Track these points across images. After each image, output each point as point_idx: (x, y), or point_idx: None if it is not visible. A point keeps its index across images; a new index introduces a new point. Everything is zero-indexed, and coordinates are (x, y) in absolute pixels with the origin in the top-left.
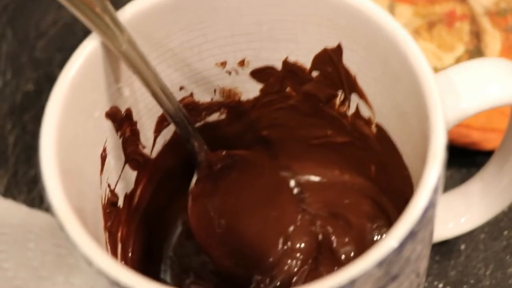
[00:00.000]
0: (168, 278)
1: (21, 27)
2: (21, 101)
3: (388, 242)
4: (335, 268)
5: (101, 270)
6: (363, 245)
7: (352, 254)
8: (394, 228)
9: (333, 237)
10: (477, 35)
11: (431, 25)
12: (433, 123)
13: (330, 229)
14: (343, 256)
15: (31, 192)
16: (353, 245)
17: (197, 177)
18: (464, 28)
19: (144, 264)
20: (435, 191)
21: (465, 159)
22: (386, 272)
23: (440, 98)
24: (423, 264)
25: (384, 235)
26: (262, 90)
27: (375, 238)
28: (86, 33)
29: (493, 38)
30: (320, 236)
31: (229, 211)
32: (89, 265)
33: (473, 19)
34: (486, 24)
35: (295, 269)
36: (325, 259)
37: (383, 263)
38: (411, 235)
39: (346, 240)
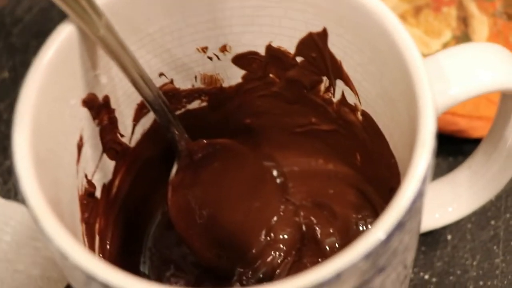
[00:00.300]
0: (147, 270)
1: None
2: None
3: (375, 234)
4: (319, 259)
5: (77, 265)
6: (347, 236)
7: (336, 245)
8: (382, 219)
9: (317, 228)
10: (464, 20)
11: (417, 10)
12: (421, 109)
13: (314, 219)
14: (327, 248)
15: (7, 183)
16: (337, 236)
17: (177, 167)
18: (451, 13)
19: (123, 257)
20: (424, 180)
21: (451, 147)
22: (372, 264)
23: (429, 84)
24: (410, 255)
25: (369, 226)
26: (244, 77)
27: (360, 229)
28: (63, 18)
29: (480, 23)
30: (304, 227)
31: (210, 201)
32: (65, 259)
33: (460, 4)
34: (473, 9)
35: (279, 261)
36: (309, 251)
37: (370, 256)
38: (399, 226)
39: (331, 230)
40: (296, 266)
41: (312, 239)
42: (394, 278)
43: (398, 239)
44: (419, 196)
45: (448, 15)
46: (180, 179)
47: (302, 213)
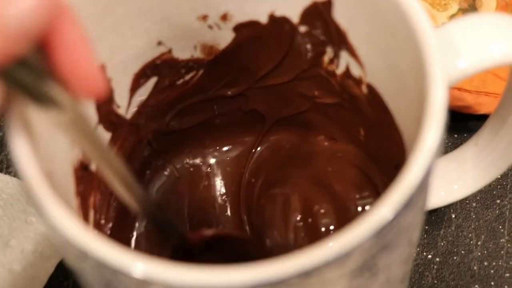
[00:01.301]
0: (141, 245)
1: None
2: None
3: (383, 211)
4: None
5: (72, 241)
6: (345, 217)
7: (331, 227)
8: (389, 196)
9: (315, 207)
10: None
11: None
12: (432, 81)
13: (312, 199)
14: (322, 229)
15: None
16: (334, 216)
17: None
18: None
19: (117, 231)
20: (434, 156)
21: (456, 124)
22: (378, 241)
23: (440, 55)
24: (416, 233)
25: (367, 206)
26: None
27: (359, 209)
28: None
29: None
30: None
31: None
32: (59, 235)
33: None
34: None
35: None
36: (304, 231)
37: (377, 233)
38: (407, 203)
39: (328, 210)
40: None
41: (309, 218)
42: (399, 255)
43: (405, 216)
44: (428, 172)
45: None
46: None
47: (300, 193)
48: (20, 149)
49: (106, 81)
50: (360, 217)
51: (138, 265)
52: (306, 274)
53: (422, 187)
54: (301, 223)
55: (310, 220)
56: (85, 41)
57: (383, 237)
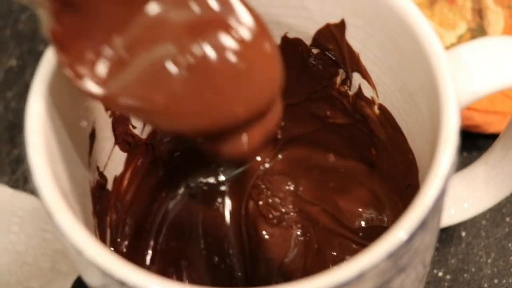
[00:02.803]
0: (155, 265)
1: None
2: (4, 77)
3: (398, 233)
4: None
5: (92, 261)
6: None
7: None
8: (404, 217)
9: (319, 224)
10: (479, 12)
11: (432, 2)
12: (445, 104)
13: (318, 218)
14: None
15: (15, 173)
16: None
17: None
18: (466, 5)
19: (132, 251)
20: (447, 178)
21: (465, 142)
22: (394, 264)
23: (452, 78)
24: (429, 254)
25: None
26: None
27: (362, 224)
28: None
29: (496, 16)
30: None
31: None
32: (79, 254)
33: None
34: (488, 1)
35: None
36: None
37: (392, 255)
38: (422, 225)
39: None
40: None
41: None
42: (413, 277)
43: (421, 238)
44: (442, 194)
45: (463, 7)
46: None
47: (308, 210)
48: (39, 170)
49: None
50: (376, 240)
51: (157, 285)
52: None
53: (436, 209)
54: (301, 238)
55: (310, 235)
56: None
57: (398, 259)
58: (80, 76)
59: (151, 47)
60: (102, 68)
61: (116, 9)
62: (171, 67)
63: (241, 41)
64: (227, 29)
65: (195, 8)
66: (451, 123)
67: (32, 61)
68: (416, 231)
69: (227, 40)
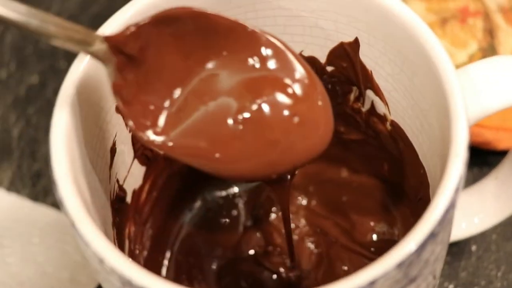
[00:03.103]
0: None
1: None
2: (25, 93)
3: (409, 244)
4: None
5: (114, 269)
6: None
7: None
8: (415, 229)
9: (329, 235)
10: (490, 32)
11: (444, 21)
12: (454, 120)
13: (328, 231)
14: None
15: (36, 186)
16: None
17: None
18: (477, 24)
19: (151, 261)
20: (457, 191)
21: (476, 158)
22: (405, 274)
23: (462, 95)
24: (439, 266)
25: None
26: None
27: (374, 238)
28: (91, 24)
29: (507, 35)
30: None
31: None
32: (100, 263)
33: (486, 16)
34: (499, 20)
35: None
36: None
37: (402, 265)
38: (432, 236)
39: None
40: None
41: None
42: None
43: (431, 249)
44: (452, 207)
45: (474, 26)
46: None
47: (319, 224)
48: (63, 182)
49: None
50: (387, 251)
51: None
52: None
53: (446, 221)
54: (313, 251)
55: (322, 249)
56: None
57: (409, 270)
58: (142, 128)
59: (210, 101)
60: (163, 120)
61: (178, 65)
62: (229, 121)
63: (296, 98)
64: (284, 86)
65: (253, 64)
66: (461, 138)
67: (53, 77)
68: (426, 242)
69: (282, 97)
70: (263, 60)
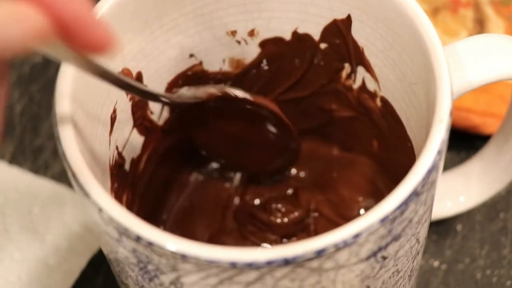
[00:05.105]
0: None
1: None
2: (29, 72)
3: (392, 200)
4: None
5: (112, 218)
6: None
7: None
8: (399, 187)
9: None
10: (480, 22)
11: (435, 11)
12: (440, 90)
13: (319, 207)
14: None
15: (37, 161)
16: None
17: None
18: (468, 15)
19: None
20: (439, 153)
21: (464, 143)
22: (389, 231)
23: (448, 68)
24: (423, 231)
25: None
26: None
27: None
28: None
29: (496, 26)
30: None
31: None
32: (99, 212)
33: (477, 7)
34: (489, 12)
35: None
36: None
37: (386, 220)
38: (415, 195)
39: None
40: None
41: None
42: (407, 250)
43: (414, 209)
44: (434, 169)
45: (464, 17)
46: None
47: (307, 199)
48: (66, 138)
49: (111, 32)
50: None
51: (172, 240)
52: (320, 254)
53: (429, 182)
54: (300, 224)
55: (309, 222)
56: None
57: (392, 226)
58: None
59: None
60: None
61: None
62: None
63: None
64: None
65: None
66: (445, 106)
67: None
68: (409, 200)
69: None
70: None
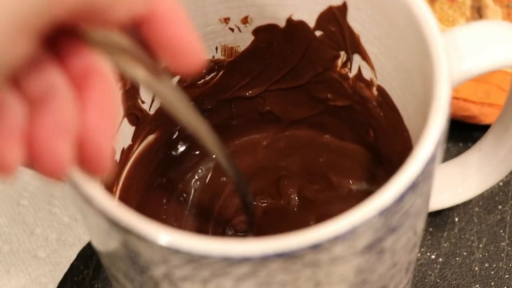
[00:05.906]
0: None
1: None
2: None
3: (389, 192)
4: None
5: (101, 209)
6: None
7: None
8: (396, 178)
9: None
10: (478, 10)
11: None
12: (438, 78)
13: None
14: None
15: None
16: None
17: None
18: (466, 2)
19: None
20: (438, 143)
21: (462, 133)
22: (385, 223)
23: (446, 55)
24: (420, 223)
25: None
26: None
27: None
28: None
29: (494, 14)
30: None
31: None
32: (89, 203)
33: None
34: (487, 0)
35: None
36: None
37: (383, 212)
38: (412, 186)
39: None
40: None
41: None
42: (404, 242)
43: (411, 200)
44: (432, 159)
45: (462, 4)
46: None
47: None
48: None
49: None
50: (368, 198)
51: (163, 233)
52: (316, 248)
53: (427, 173)
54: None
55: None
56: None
57: (389, 218)
58: None
59: None
60: None
61: None
62: None
63: None
64: None
65: None
66: (443, 94)
67: None
68: (407, 192)
69: None
70: None
